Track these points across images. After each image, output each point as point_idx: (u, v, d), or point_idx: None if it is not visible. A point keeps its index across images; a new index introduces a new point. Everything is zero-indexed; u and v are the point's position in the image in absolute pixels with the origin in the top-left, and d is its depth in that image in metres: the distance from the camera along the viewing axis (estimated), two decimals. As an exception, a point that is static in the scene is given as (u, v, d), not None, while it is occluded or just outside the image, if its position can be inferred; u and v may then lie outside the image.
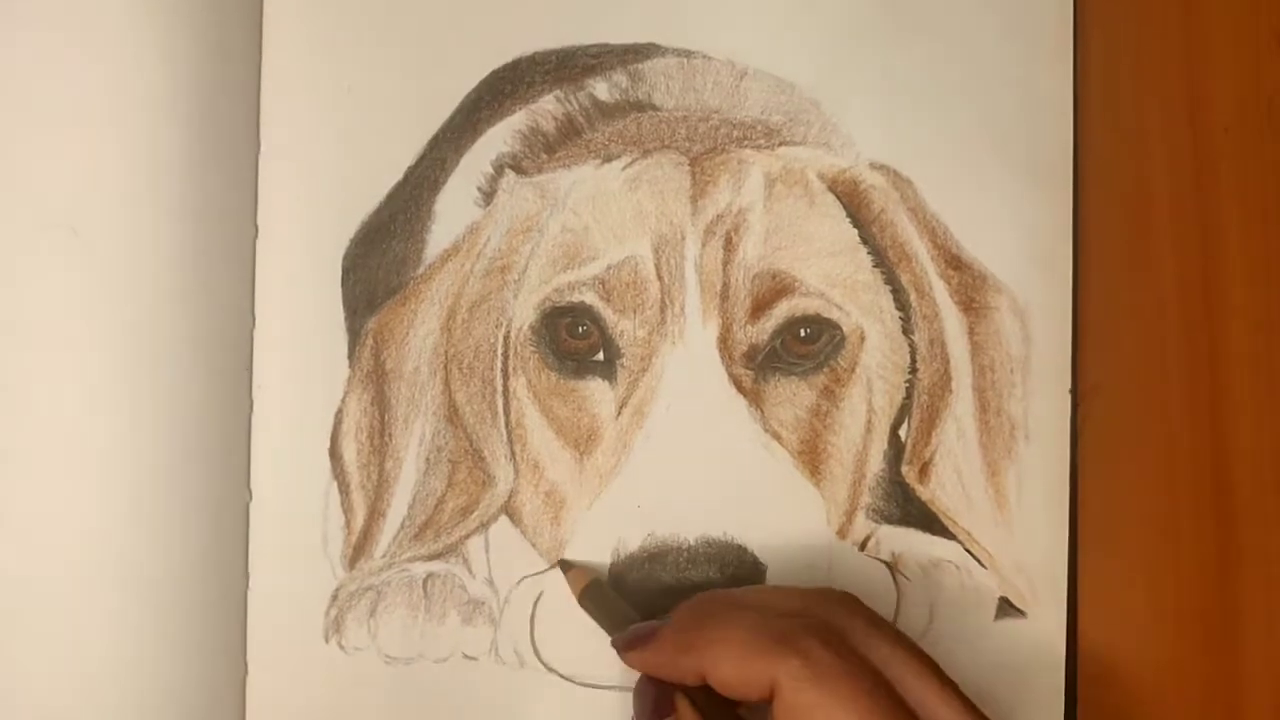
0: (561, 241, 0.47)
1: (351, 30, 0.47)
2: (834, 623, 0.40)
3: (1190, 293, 0.47)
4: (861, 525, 0.47)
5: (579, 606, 0.46)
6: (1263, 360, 0.47)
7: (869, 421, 0.48)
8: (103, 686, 0.45)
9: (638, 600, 0.46)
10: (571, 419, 0.47)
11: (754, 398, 0.47)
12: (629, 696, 0.45)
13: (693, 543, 0.46)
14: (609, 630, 0.44)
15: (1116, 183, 0.48)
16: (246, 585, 0.46)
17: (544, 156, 0.47)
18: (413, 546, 0.47)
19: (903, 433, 0.48)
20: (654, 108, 0.47)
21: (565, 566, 0.46)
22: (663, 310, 0.47)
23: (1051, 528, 0.47)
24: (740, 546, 0.46)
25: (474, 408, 0.47)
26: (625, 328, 0.47)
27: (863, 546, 0.47)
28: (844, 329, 0.47)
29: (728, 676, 0.40)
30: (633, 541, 0.46)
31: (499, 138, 0.47)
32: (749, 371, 0.47)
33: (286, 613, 0.46)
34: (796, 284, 0.47)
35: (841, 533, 0.47)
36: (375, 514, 0.47)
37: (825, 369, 0.47)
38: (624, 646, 0.43)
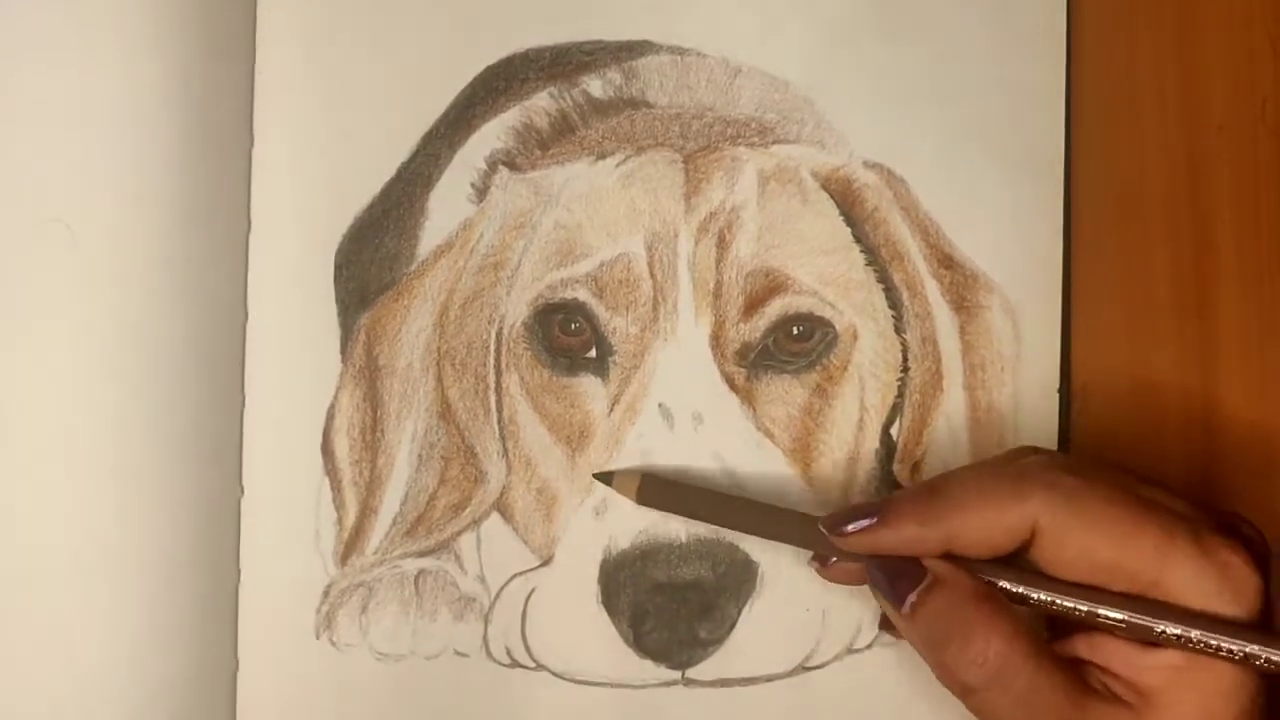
0: (555, 238, 0.47)
1: (345, 26, 0.47)
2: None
3: (1183, 292, 0.47)
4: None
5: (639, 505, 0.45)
6: (1254, 359, 0.47)
7: (861, 420, 0.48)
8: (93, 682, 0.45)
9: (628, 599, 0.46)
10: (564, 416, 0.47)
11: (746, 395, 0.47)
12: (620, 693, 0.46)
13: (684, 540, 0.46)
14: (683, 514, 0.45)
15: (1109, 182, 0.48)
16: (238, 580, 0.46)
17: (538, 153, 0.47)
18: (404, 543, 0.47)
19: (894, 431, 0.48)
20: (648, 105, 0.47)
21: (604, 478, 0.46)
22: (655, 307, 0.47)
23: (1042, 526, 0.47)
24: (732, 544, 0.46)
25: (466, 404, 0.47)
26: (618, 325, 0.47)
27: (854, 544, 0.47)
28: (836, 327, 0.47)
29: (980, 533, 0.40)
30: (624, 539, 0.46)
31: (492, 134, 0.47)
32: (741, 369, 0.47)
33: (278, 609, 0.46)
34: (789, 282, 0.47)
35: (833, 531, 0.47)
36: (367, 510, 0.47)
37: (817, 367, 0.47)
38: (842, 529, 0.42)
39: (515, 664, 0.47)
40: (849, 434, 0.47)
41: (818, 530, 0.43)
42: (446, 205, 0.47)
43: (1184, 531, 0.39)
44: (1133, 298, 0.48)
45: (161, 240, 0.45)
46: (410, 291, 0.47)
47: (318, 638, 0.46)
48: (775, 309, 0.47)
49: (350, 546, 0.47)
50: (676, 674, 0.47)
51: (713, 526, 0.46)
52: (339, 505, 0.47)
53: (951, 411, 0.47)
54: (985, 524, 0.40)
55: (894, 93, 0.48)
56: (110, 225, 0.45)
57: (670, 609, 0.46)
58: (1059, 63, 0.48)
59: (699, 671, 0.47)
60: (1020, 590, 0.41)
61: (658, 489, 0.45)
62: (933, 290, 0.48)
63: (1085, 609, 0.40)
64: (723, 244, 0.47)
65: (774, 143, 0.48)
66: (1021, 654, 0.39)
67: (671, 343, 0.47)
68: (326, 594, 0.47)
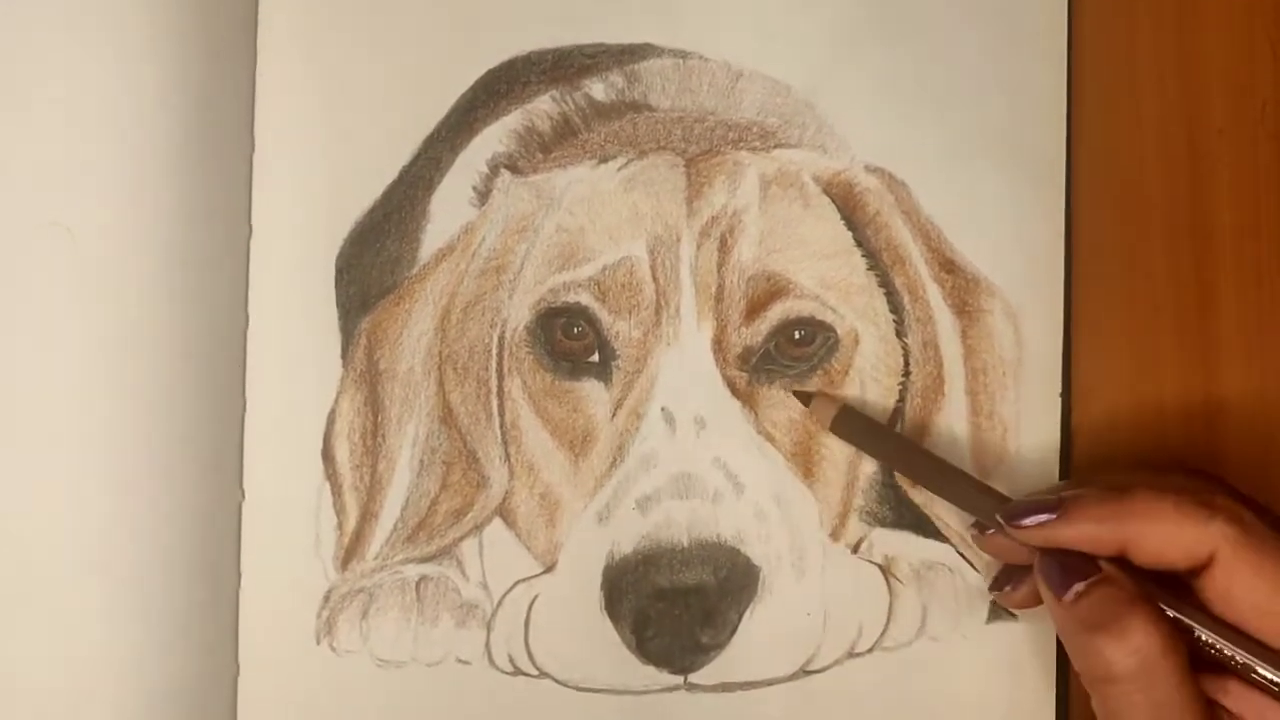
0: (557, 242, 0.47)
1: (346, 29, 0.47)
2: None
3: (1184, 296, 0.47)
4: (855, 528, 0.47)
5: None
6: (1256, 363, 0.47)
7: (862, 424, 0.48)
8: (94, 686, 0.45)
9: (631, 604, 0.46)
10: (566, 420, 0.47)
11: (748, 400, 0.47)
12: (622, 699, 0.46)
13: (687, 545, 0.46)
14: (870, 453, 0.45)
15: (1110, 186, 0.48)
16: (238, 586, 0.46)
17: (539, 156, 0.47)
18: (405, 548, 0.47)
19: (896, 435, 0.48)
20: (650, 108, 0.47)
21: (803, 398, 0.46)
22: (658, 311, 0.47)
23: (1044, 531, 0.47)
24: (734, 549, 0.46)
25: (468, 408, 0.47)
26: (620, 329, 0.47)
27: (856, 549, 0.47)
28: (838, 331, 0.47)
29: (1158, 544, 0.40)
30: (627, 544, 0.46)
31: (494, 137, 0.47)
32: (743, 373, 0.47)
33: (278, 614, 0.46)
34: (791, 286, 0.47)
35: (835, 535, 0.47)
36: (368, 515, 0.46)
37: (819, 371, 0.47)
38: (1020, 521, 0.42)
39: (518, 671, 0.46)
40: (851, 438, 0.47)
41: (994, 508, 0.43)
42: (448, 209, 0.47)
43: None
44: (1134, 301, 0.48)
45: (162, 244, 0.45)
46: (411, 295, 0.47)
47: (318, 643, 0.46)
48: (777, 313, 0.47)
49: (351, 552, 0.46)
50: (678, 679, 0.47)
51: (715, 531, 0.46)
52: (340, 510, 0.46)
53: (953, 415, 0.48)
54: (1164, 538, 0.40)
55: (895, 97, 0.48)
56: (110, 228, 0.45)
57: (672, 614, 0.46)
58: (1060, 66, 0.48)
59: (701, 676, 0.47)
60: (1184, 619, 0.40)
61: (852, 422, 0.46)
62: (934, 294, 0.48)
63: (1242, 660, 0.39)
64: (725, 248, 0.47)
65: (776, 147, 0.47)
66: (1173, 663, 0.39)
67: (674, 347, 0.47)
68: (327, 599, 0.46)
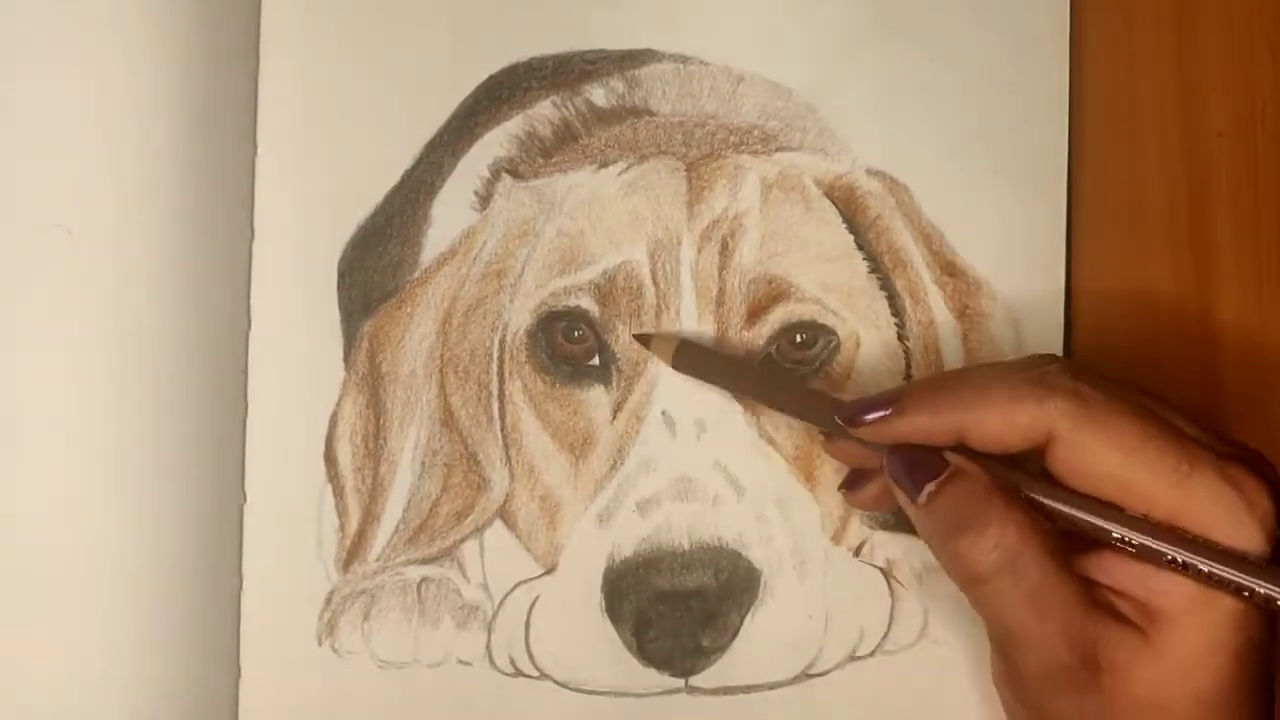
0: (557, 246, 0.47)
1: (348, 35, 0.47)
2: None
3: (1184, 300, 0.47)
4: (856, 531, 0.47)
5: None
6: (1256, 368, 0.47)
7: (864, 427, 0.48)
8: (95, 688, 0.45)
9: (632, 607, 0.46)
10: (567, 423, 0.47)
11: (749, 403, 0.47)
12: (623, 702, 0.46)
13: (688, 548, 0.46)
14: (713, 383, 0.45)
15: (1111, 190, 0.48)
16: (240, 587, 0.46)
17: (540, 161, 0.47)
18: (407, 550, 0.47)
19: (897, 439, 0.48)
20: (650, 113, 0.47)
21: (643, 340, 0.46)
22: (658, 315, 0.47)
23: (1045, 534, 0.47)
24: (735, 552, 0.46)
25: (469, 412, 0.47)
26: (621, 332, 0.47)
27: (857, 552, 0.47)
28: (839, 335, 0.47)
29: (994, 429, 0.39)
30: (627, 546, 0.46)
31: (495, 142, 0.47)
32: (744, 377, 0.47)
33: (280, 615, 0.46)
34: (792, 289, 0.47)
35: (836, 538, 0.47)
36: (369, 517, 0.47)
37: (820, 374, 0.47)
38: (856, 419, 0.41)
39: (519, 673, 0.46)
40: (852, 441, 0.47)
41: (834, 413, 0.43)
42: (449, 213, 0.47)
43: (1207, 458, 0.38)
44: (1135, 305, 0.48)
45: (164, 248, 0.45)
46: (413, 299, 0.47)
47: (320, 645, 0.46)
48: (778, 316, 0.47)
49: (352, 554, 0.47)
50: (679, 682, 0.47)
51: (716, 534, 0.46)
52: (341, 512, 0.47)
53: (954, 419, 0.47)
54: (1000, 421, 0.39)
55: (897, 100, 0.48)
56: (112, 232, 0.45)
57: (673, 617, 0.46)
58: (1061, 69, 0.48)
59: (702, 679, 0.47)
60: (1037, 498, 0.40)
61: (692, 355, 0.45)
62: (935, 298, 0.48)
63: (1100, 524, 0.39)
64: (725, 252, 0.47)
65: (777, 150, 0.48)
66: (1037, 548, 0.38)
67: (675, 350, 0.47)
68: (329, 601, 0.46)
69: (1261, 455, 0.40)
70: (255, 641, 0.46)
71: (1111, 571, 0.39)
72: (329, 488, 0.47)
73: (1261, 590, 0.37)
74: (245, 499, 0.46)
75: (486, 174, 0.47)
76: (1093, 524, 0.39)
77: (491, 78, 0.47)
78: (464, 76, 0.47)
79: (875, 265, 0.48)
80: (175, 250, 0.45)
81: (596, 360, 0.47)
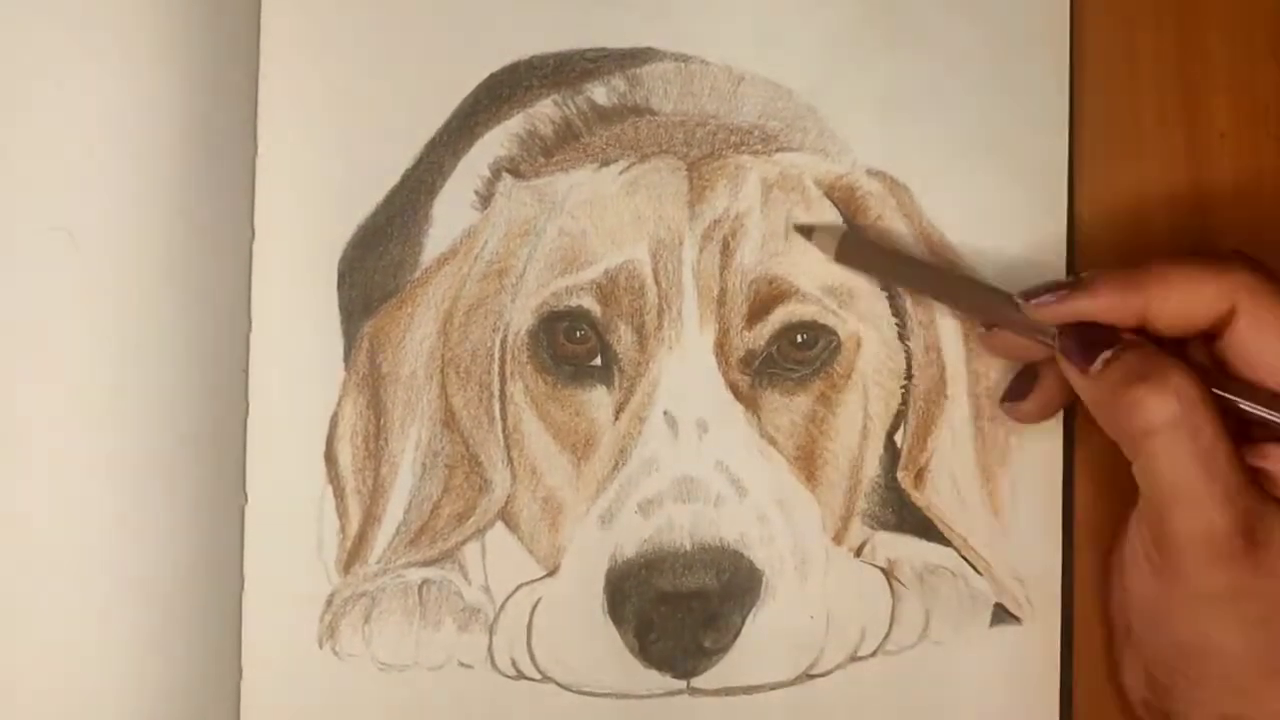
0: (559, 245, 0.47)
1: (349, 34, 0.47)
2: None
3: (1186, 300, 0.48)
4: (857, 531, 0.47)
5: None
6: (1258, 367, 0.47)
7: (865, 428, 0.48)
8: (97, 690, 0.45)
9: (634, 608, 0.46)
10: (569, 424, 0.47)
11: (750, 403, 0.47)
12: (625, 703, 0.45)
13: (689, 548, 0.46)
14: (878, 276, 0.46)
15: (1112, 189, 0.48)
16: (241, 589, 0.46)
17: (541, 160, 0.47)
18: (408, 552, 0.47)
19: (898, 439, 0.48)
20: (651, 112, 0.47)
21: (804, 231, 0.46)
22: (660, 315, 0.47)
23: (1047, 534, 0.47)
24: (736, 552, 0.46)
25: (471, 412, 0.47)
26: (623, 332, 0.47)
27: (859, 552, 0.47)
28: (840, 335, 0.47)
29: (1179, 303, 0.40)
30: (629, 547, 0.46)
31: (496, 141, 0.47)
32: (745, 377, 0.47)
33: (281, 618, 0.46)
34: (793, 290, 0.47)
35: (837, 539, 0.47)
36: (370, 519, 0.46)
37: (821, 375, 0.47)
38: (1040, 298, 0.42)
39: (520, 675, 0.46)
40: (853, 441, 0.47)
41: (1004, 304, 0.43)
42: (450, 212, 0.47)
43: None
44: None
45: (165, 248, 0.45)
46: (414, 299, 0.47)
47: (321, 647, 0.46)
48: (779, 317, 0.47)
49: (353, 555, 0.46)
50: (681, 683, 0.47)
51: (718, 535, 0.46)
52: (342, 514, 0.46)
53: (956, 419, 0.47)
54: (1185, 294, 0.40)
55: (897, 100, 0.48)
56: (113, 233, 0.45)
57: (675, 618, 0.46)
58: (1062, 69, 0.48)
59: (704, 680, 0.47)
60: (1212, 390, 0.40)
61: (857, 248, 0.46)
62: (936, 298, 0.48)
63: (1270, 416, 0.40)
64: (727, 251, 0.47)
65: (777, 150, 0.48)
66: (1212, 410, 0.39)
67: (676, 350, 0.47)
68: (330, 603, 0.46)
69: None
70: (256, 644, 0.46)
71: (1278, 461, 0.40)
72: (329, 489, 0.46)
73: None
74: (246, 500, 0.46)
75: (487, 173, 0.47)
76: (1263, 415, 0.40)
77: (492, 76, 0.47)
78: (464, 75, 0.47)
79: (876, 265, 0.48)
80: (176, 251, 0.45)
81: (598, 360, 0.47)
